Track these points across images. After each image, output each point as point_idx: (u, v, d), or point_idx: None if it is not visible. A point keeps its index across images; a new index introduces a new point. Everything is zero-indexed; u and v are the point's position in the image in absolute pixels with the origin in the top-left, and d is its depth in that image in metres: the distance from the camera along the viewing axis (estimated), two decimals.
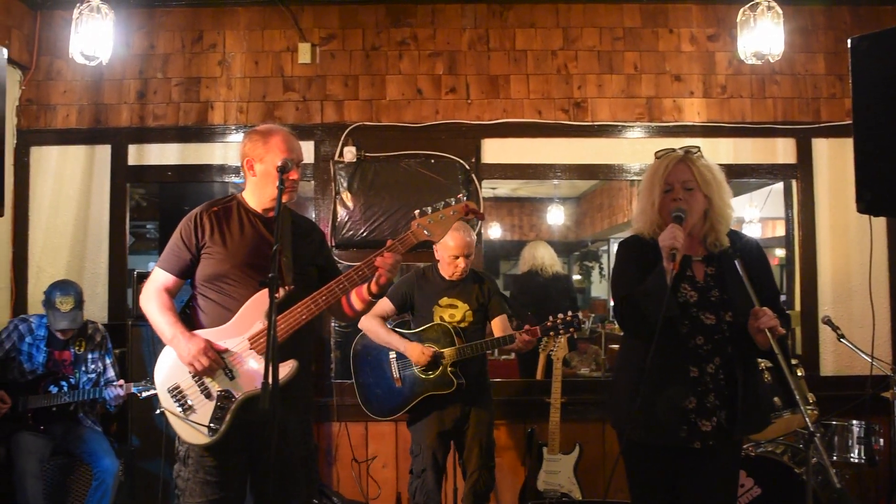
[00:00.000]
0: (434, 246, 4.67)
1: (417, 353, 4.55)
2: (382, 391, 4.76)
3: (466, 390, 4.60)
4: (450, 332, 4.62)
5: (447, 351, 4.56)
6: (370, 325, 4.71)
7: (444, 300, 4.71)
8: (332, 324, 5.64)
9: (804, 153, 5.75)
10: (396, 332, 4.71)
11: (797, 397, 3.07)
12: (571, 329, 4.54)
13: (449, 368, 4.56)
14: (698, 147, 3.23)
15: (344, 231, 5.62)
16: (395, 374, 4.70)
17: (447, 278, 4.72)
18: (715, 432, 3.04)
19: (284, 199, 3.20)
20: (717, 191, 3.13)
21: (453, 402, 4.62)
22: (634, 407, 3.03)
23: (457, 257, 4.63)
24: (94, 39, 5.06)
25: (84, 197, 5.77)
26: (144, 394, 4.70)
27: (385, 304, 4.71)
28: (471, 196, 5.58)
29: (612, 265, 11.22)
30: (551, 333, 4.56)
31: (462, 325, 4.66)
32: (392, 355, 4.72)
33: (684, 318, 3.08)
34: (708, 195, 3.12)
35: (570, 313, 4.54)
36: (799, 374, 4.73)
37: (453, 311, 4.69)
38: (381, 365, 4.76)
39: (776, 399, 4.36)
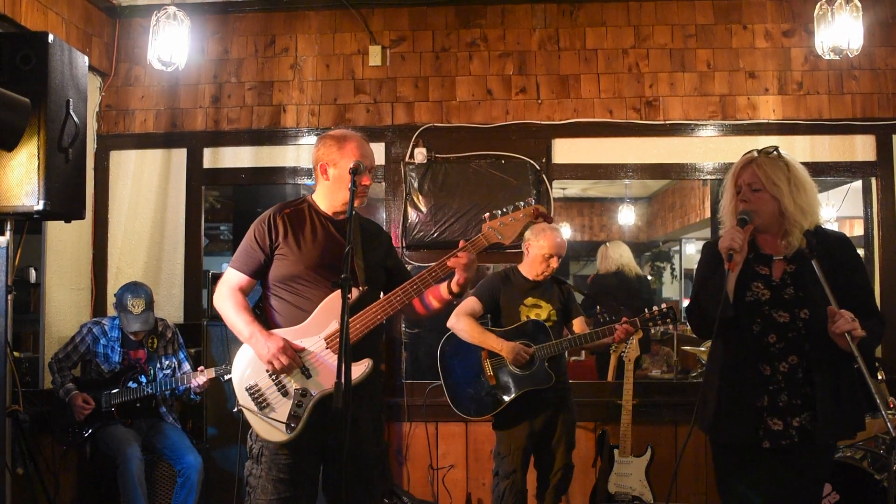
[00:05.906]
0: (525, 245, 4.70)
1: (515, 352, 4.48)
2: (475, 391, 4.63)
3: (556, 391, 4.60)
4: (544, 327, 4.61)
5: (545, 345, 4.54)
6: (463, 325, 4.60)
7: (529, 300, 4.70)
8: (403, 325, 5.67)
9: (884, 150, 5.59)
10: (492, 330, 4.63)
11: (878, 401, 3.00)
12: (668, 320, 4.55)
13: (546, 364, 4.54)
14: (775, 147, 3.15)
15: (415, 232, 5.65)
16: (489, 371, 4.58)
17: (530, 279, 4.70)
18: (793, 434, 2.97)
19: (356, 203, 3.25)
20: (786, 192, 3.04)
21: (544, 404, 4.60)
22: (713, 407, 3.08)
23: (550, 257, 4.61)
24: (171, 46, 5.19)
25: (161, 199, 5.92)
26: (226, 376, 4.76)
27: (474, 304, 4.66)
28: (541, 196, 5.58)
29: (683, 266, 11.08)
30: (650, 324, 4.56)
31: (548, 324, 4.66)
32: (484, 353, 4.62)
33: (756, 317, 3.05)
34: (776, 196, 3.06)
35: (664, 305, 4.58)
36: (880, 377, 4.61)
37: (538, 311, 4.68)
38: (473, 364, 4.64)
39: None
